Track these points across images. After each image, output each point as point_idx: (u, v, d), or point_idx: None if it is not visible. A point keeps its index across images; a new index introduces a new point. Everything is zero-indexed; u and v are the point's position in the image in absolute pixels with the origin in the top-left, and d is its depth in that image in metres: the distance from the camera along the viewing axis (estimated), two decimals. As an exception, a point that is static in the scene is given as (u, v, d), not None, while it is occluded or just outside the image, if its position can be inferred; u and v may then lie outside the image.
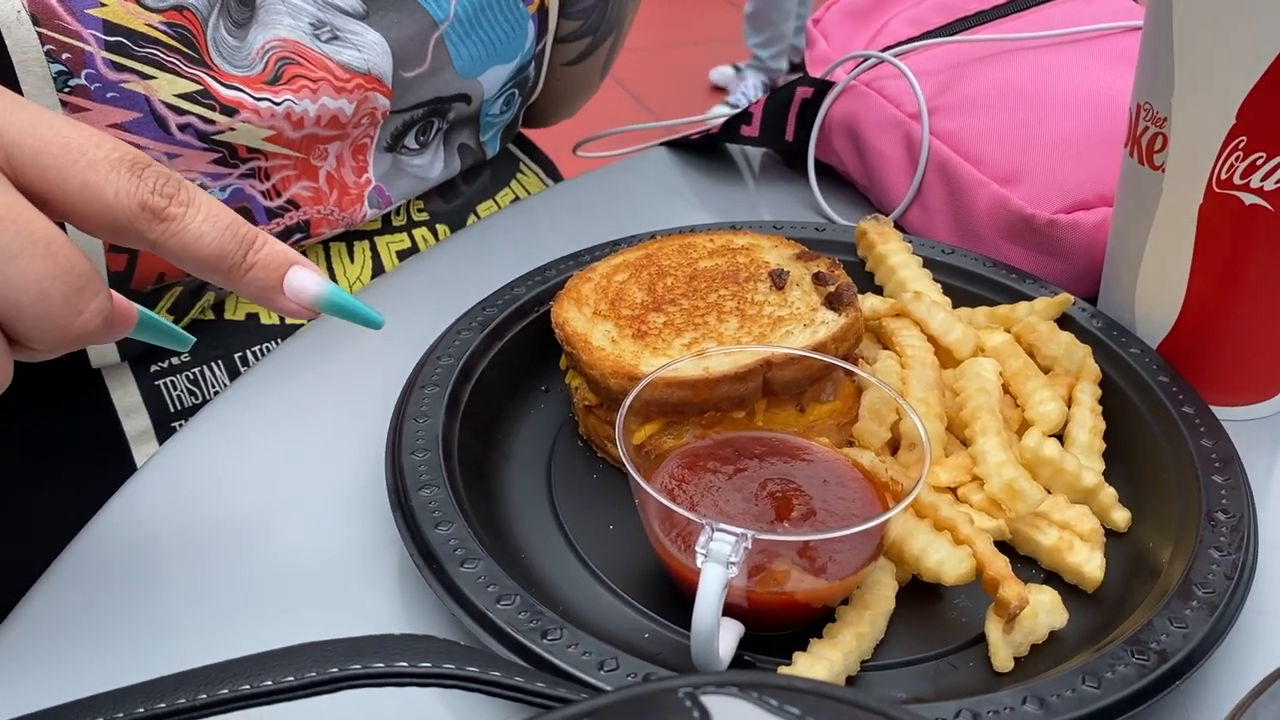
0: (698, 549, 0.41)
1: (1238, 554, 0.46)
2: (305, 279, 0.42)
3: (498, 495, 0.53)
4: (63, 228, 0.38)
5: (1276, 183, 0.52)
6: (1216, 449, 0.51)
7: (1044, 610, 0.46)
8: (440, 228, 0.77)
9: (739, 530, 0.41)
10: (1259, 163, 0.52)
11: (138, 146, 0.52)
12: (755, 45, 4.01)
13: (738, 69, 4.05)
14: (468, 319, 0.59)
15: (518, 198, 0.84)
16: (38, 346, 0.38)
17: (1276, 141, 0.51)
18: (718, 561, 0.40)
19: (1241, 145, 0.52)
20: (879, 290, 0.65)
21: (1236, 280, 0.55)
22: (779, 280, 0.58)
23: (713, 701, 0.28)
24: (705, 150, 0.89)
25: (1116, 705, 0.40)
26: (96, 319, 0.38)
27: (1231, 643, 0.44)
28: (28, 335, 0.37)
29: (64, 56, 0.53)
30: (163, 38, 0.56)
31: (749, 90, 3.93)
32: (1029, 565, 0.50)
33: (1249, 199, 0.53)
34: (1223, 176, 0.53)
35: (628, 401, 0.48)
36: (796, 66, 3.96)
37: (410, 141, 0.71)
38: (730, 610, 0.45)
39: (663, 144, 0.90)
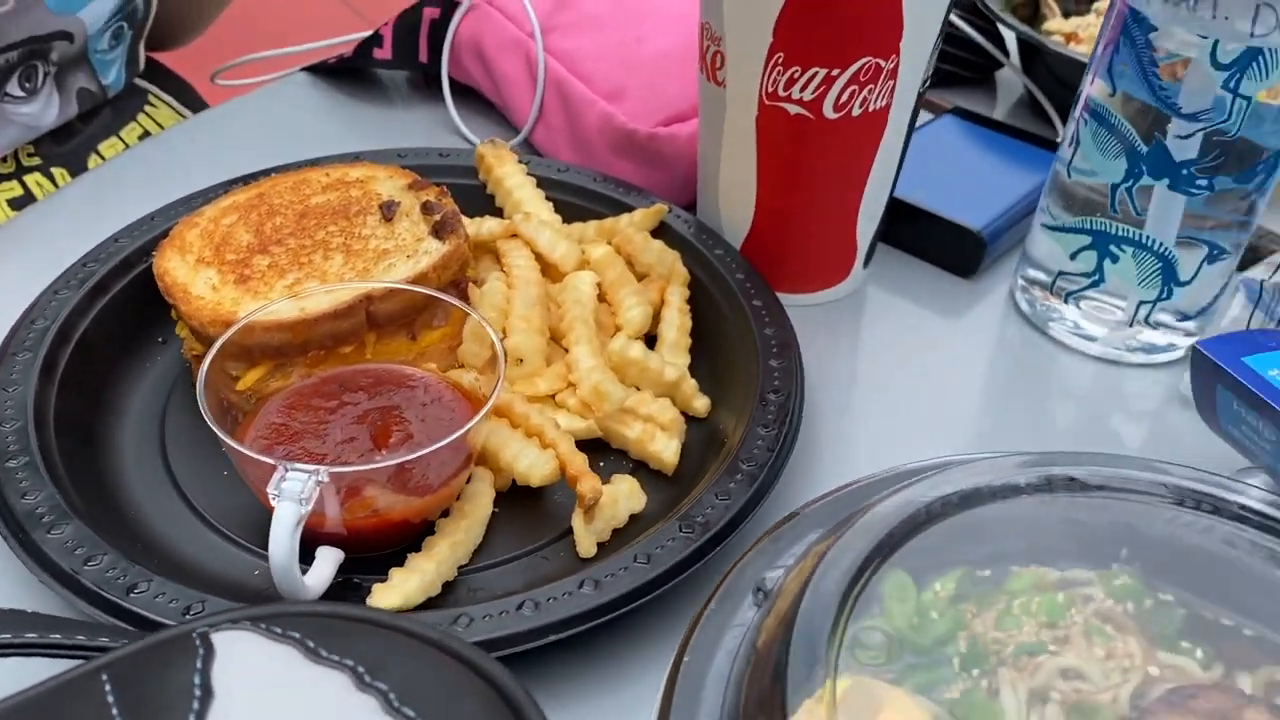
0: (269, 490, 0.43)
1: (780, 429, 0.52)
2: None
3: (106, 456, 0.53)
4: None
5: (813, 93, 0.58)
6: (776, 335, 0.58)
7: (623, 497, 0.51)
8: (57, 171, 0.73)
9: (310, 468, 0.43)
10: (796, 76, 0.57)
11: None
12: None
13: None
14: (66, 277, 0.58)
15: (148, 133, 0.81)
16: None
17: (807, 56, 0.57)
18: (290, 499, 0.43)
19: (780, 60, 0.57)
20: (501, 213, 0.68)
21: (794, 183, 0.62)
22: (388, 212, 0.60)
23: (222, 637, 0.31)
24: (353, 73, 0.88)
25: (661, 577, 0.46)
26: None
27: (772, 506, 0.51)
28: None
29: None
30: None
31: None
32: (623, 457, 0.56)
33: (793, 109, 0.59)
34: (770, 90, 0.58)
35: (213, 350, 0.49)
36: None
37: (14, 88, 0.67)
38: (331, 539, 0.48)
39: (304, 70, 0.88)
